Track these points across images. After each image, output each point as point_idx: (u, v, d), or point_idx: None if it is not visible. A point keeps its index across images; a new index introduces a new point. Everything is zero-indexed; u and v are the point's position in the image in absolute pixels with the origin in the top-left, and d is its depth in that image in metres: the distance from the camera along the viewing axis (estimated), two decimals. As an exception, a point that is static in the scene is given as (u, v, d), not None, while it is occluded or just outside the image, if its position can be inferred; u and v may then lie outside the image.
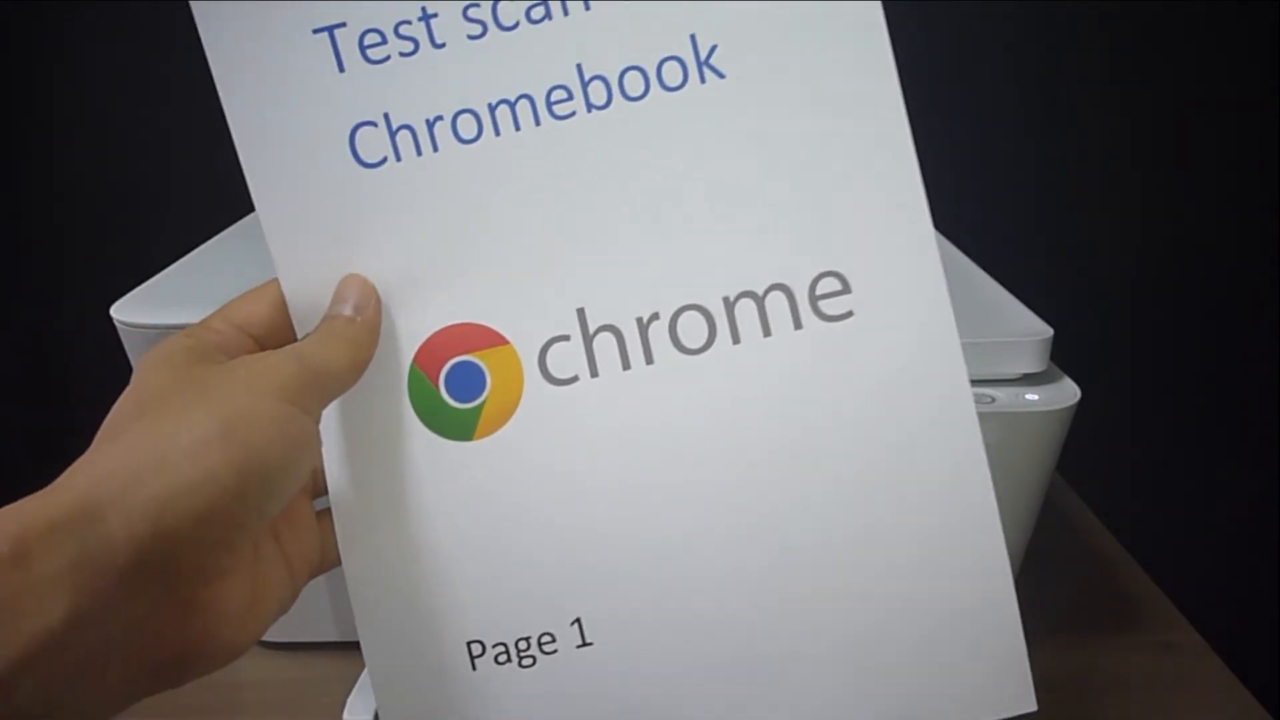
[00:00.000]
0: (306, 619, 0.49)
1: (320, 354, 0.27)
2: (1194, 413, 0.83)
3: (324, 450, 0.29)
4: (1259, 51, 0.73)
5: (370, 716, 0.43)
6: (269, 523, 0.27)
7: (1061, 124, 0.77)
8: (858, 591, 0.30)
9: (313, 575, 0.30)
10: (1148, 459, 0.83)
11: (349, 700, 0.43)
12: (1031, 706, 0.30)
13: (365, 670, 0.45)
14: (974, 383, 0.47)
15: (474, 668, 0.30)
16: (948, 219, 0.66)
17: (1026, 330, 0.47)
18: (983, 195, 0.77)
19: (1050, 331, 0.46)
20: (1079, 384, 0.46)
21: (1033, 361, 0.46)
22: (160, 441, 0.23)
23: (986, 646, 0.30)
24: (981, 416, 0.46)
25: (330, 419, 0.29)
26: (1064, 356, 0.47)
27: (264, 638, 0.51)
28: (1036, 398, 0.45)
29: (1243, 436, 0.83)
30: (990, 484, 0.29)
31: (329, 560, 0.30)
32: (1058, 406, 0.45)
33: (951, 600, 0.30)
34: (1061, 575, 0.58)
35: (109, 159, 0.79)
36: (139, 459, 0.23)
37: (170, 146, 0.77)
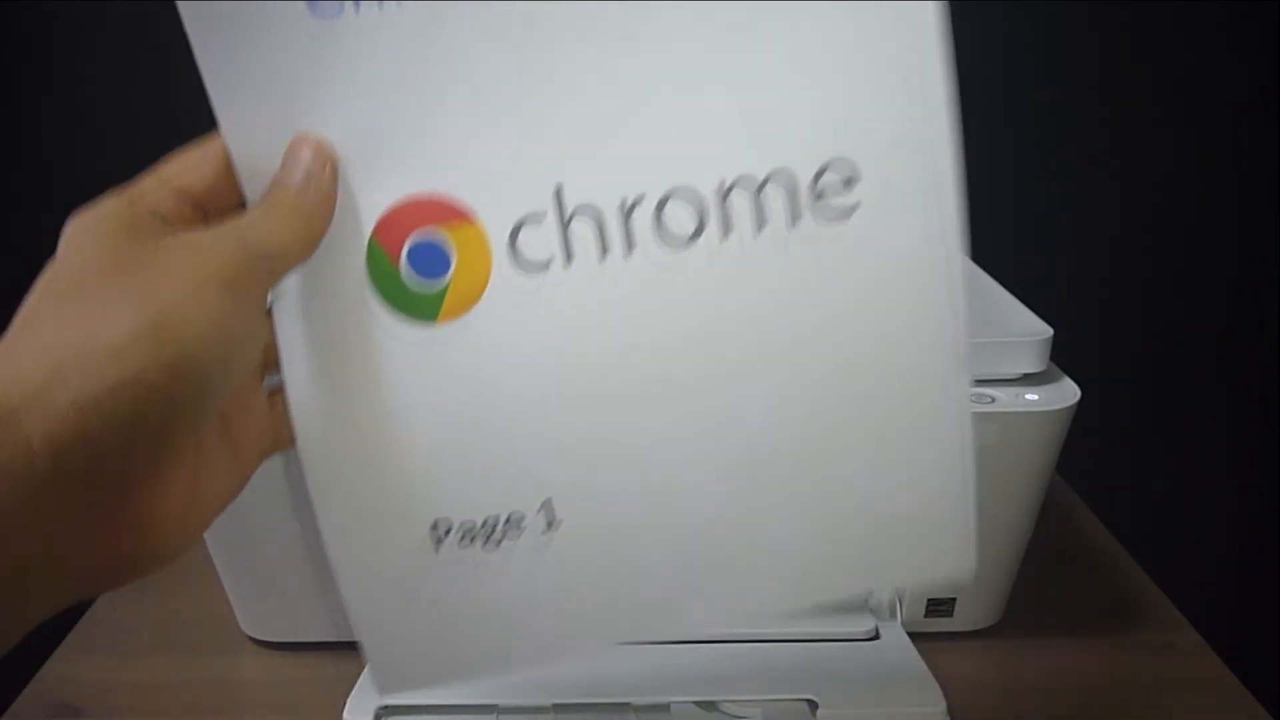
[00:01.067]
0: (306, 619, 0.49)
1: (266, 233, 0.24)
2: (1194, 413, 0.83)
3: (277, 327, 0.27)
4: (1260, 51, 0.73)
5: (370, 717, 0.43)
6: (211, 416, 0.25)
7: (1062, 124, 0.77)
8: (823, 481, 0.29)
9: (262, 459, 0.28)
10: (1148, 459, 0.83)
11: (349, 700, 0.43)
12: (970, 571, 0.30)
13: (365, 670, 0.45)
14: (973, 383, 0.47)
15: (437, 549, 0.29)
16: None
17: (1026, 330, 0.47)
18: (982, 195, 0.77)
19: (1050, 331, 0.46)
20: (1079, 384, 0.46)
21: (1033, 361, 0.46)
22: (82, 336, 0.20)
23: (940, 527, 0.30)
24: (981, 417, 0.47)
25: (285, 293, 0.27)
26: (1064, 356, 0.47)
27: (264, 637, 0.51)
28: (1036, 398, 0.45)
29: (1243, 436, 0.83)
30: (966, 396, 0.29)
31: (281, 443, 0.28)
32: (1058, 406, 0.45)
33: (911, 489, 0.29)
34: (1061, 575, 0.58)
35: (108, 156, 0.79)
36: (58, 356, 0.20)
37: (170, 144, 0.77)
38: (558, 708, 0.43)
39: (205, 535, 0.46)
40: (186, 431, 0.23)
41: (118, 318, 0.21)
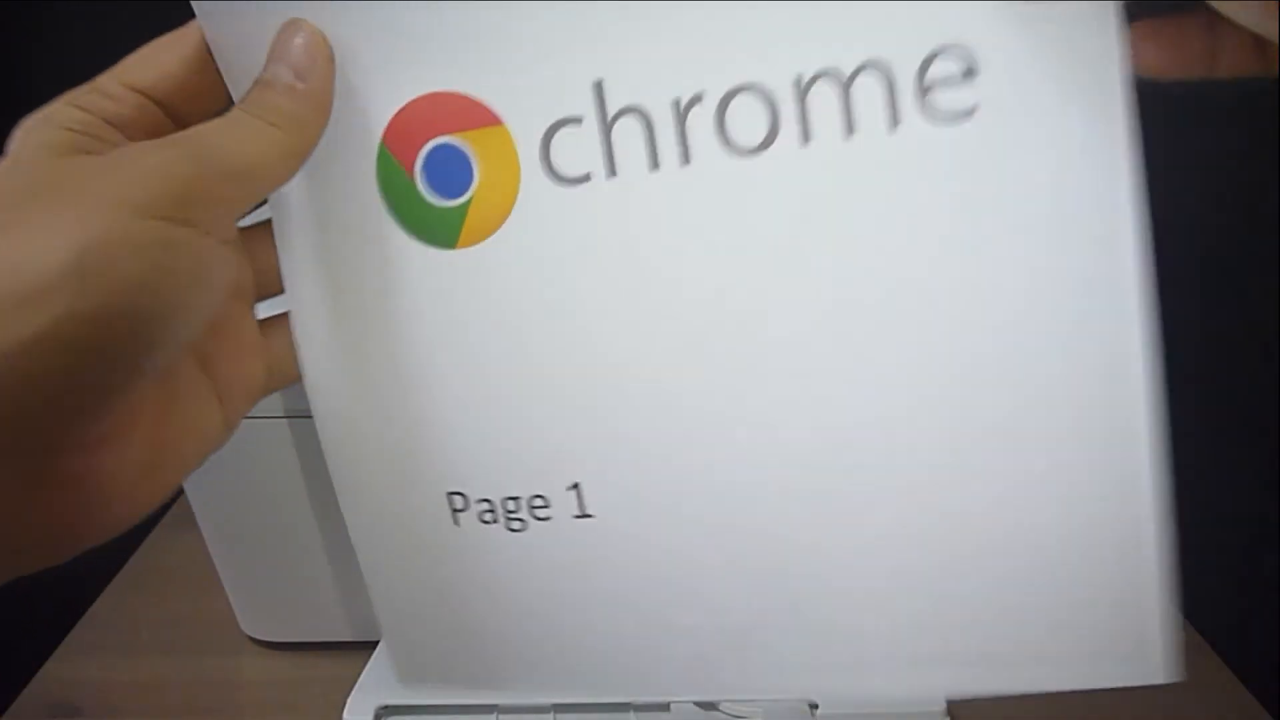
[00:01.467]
0: (306, 619, 0.49)
1: (234, 145, 0.20)
2: (1194, 412, 0.83)
3: (279, 249, 0.24)
4: (1259, 51, 0.73)
5: (370, 717, 0.43)
6: (180, 356, 0.21)
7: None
8: (936, 503, 0.23)
9: (256, 400, 0.24)
10: (1148, 459, 0.83)
11: (349, 700, 0.43)
12: (1172, 676, 0.20)
13: (365, 670, 0.45)
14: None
15: (456, 522, 0.25)
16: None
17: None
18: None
19: (1051, 331, 0.46)
20: (1079, 384, 0.46)
21: (1033, 361, 0.46)
22: None
23: (1113, 595, 0.22)
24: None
25: (286, 210, 0.23)
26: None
27: (264, 637, 0.51)
28: (1037, 398, 0.45)
29: (1243, 436, 0.83)
30: (1149, 388, 0.21)
31: (278, 378, 0.24)
32: (1058, 406, 0.45)
33: (1066, 530, 0.23)
34: (1061, 575, 0.57)
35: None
36: None
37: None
38: (558, 708, 0.43)
39: (205, 535, 0.46)
40: (128, 390, 0.19)
41: (35, 255, 0.17)
